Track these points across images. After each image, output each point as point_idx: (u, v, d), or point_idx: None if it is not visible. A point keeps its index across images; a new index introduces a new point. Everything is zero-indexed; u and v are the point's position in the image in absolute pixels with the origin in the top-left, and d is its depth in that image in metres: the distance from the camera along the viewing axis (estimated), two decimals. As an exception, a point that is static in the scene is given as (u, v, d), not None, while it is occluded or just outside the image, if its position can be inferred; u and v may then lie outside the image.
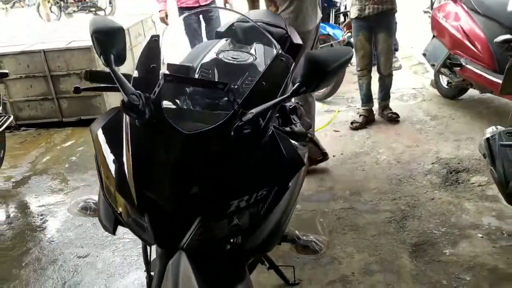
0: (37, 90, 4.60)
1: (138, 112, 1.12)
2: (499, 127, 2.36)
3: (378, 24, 3.75)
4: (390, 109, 4.04)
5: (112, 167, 1.20)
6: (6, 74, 3.47)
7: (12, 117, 3.56)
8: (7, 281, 2.48)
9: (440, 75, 4.31)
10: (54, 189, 3.46)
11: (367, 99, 4.02)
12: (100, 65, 4.56)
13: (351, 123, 3.97)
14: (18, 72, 4.50)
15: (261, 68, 1.68)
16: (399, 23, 5.34)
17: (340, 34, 4.70)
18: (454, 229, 2.54)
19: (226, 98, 1.38)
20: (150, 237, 1.11)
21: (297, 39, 2.58)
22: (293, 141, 1.49)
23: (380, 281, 2.23)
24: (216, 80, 1.57)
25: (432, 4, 4.52)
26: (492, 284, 2.15)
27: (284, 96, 1.17)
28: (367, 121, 3.99)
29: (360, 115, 4.02)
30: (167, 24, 5.22)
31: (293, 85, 1.19)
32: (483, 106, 4.07)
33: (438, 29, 4.07)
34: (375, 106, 4.07)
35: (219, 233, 1.17)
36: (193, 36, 4.57)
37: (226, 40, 1.86)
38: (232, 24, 2.56)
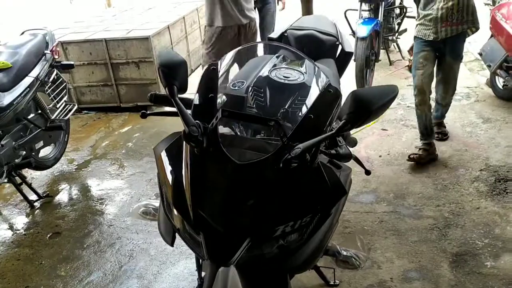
0: (98, 77, 4.87)
1: (197, 142, 1.26)
2: None
3: (446, 46, 3.25)
4: (443, 127, 3.69)
5: (172, 187, 1.34)
6: (72, 66, 3.72)
7: (76, 106, 3.82)
8: (71, 261, 2.74)
9: (496, 76, 4.20)
10: (112, 174, 3.71)
11: (427, 132, 3.41)
12: (155, 54, 4.76)
13: (409, 156, 3.40)
14: (82, 59, 4.77)
15: (311, 86, 1.76)
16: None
17: (366, 31, 4.23)
18: (497, 241, 2.56)
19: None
20: (204, 253, 1.25)
21: (349, 47, 2.63)
22: (338, 162, 1.58)
23: (418, 288, 2.31)
24: (268, 98, 1.67)
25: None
26: (531, 301, 2.17)
27: (329, 133, 1.26)
28: (428, 156, 3.39)
29: (420, 149, 3.43)
30: None
31: (340, 120, 1.28)
32: (541, 110, 3.96)
33: (496, 29, 3.95)
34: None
35: (265, 253, 1.29)
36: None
37: (278, 56, 1.95)
38: (285, 31, 2.65)
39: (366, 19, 4.57)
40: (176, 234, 1.44)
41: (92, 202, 3.36)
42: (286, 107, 1.61)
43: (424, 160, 3.35)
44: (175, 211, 1.33)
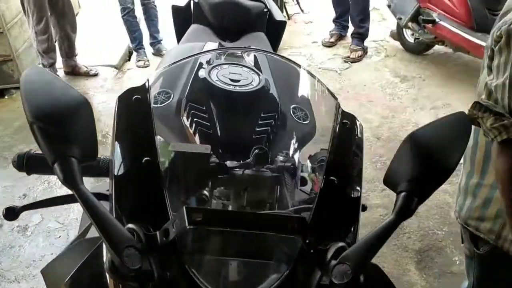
0: None
1: (137, 279, 0.62)
2: None
3: None
4: None
5: None
6: None
7: None
8: None
9: (404, 29, 3.95)
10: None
11: None
12: (4, 23, 3.69)
13: None
14: None
15: (274, 91, 1.16)
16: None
17: None
18: (455, 227, 2.30)
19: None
20: None
21: (279, 15, 2.06)
22: None
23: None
24: (218, 123, 1.04)
25: None
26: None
27: (385, 224, 0.71)
28: None
29: None
30: None
31: (395, 193, 0.73)
32: (452, 62, 3.82)
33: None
34: None
35: None
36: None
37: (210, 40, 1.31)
38: None
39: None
40: None
41: None
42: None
43: None
44: None
